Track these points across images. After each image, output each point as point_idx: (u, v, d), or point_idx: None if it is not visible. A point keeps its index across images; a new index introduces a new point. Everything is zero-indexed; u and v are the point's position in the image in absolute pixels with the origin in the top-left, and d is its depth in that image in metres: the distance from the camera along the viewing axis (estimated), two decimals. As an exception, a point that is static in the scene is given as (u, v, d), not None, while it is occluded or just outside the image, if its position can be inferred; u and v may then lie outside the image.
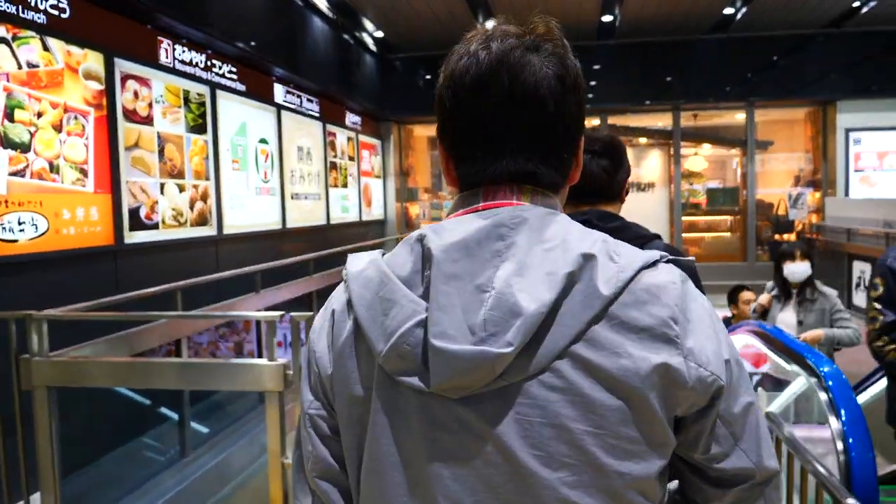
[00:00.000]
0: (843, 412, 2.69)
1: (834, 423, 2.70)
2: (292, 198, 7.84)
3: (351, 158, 9.81)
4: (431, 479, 0.76)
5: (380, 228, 11.24)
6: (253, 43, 6.76)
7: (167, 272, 5.22)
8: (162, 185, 5.48)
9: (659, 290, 0.77)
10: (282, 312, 3.02)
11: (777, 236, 10.90)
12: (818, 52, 10.15)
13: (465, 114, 0.83)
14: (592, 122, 11.34)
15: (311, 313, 3.04)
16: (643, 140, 11.67)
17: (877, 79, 10.09)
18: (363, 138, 10.43)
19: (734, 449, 0.80)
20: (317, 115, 8.65)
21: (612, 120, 11.16)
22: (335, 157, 9.19)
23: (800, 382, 3.59)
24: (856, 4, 9.12)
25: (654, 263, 0.79)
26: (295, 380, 2.93)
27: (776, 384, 4.23)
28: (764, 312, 4.45)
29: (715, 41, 10.38)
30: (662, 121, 11.30)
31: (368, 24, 9.81)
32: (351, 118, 9.93)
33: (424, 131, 12.79)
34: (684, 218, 11.08)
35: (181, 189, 5.73)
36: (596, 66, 10.83)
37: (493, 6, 9.25)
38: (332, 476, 0.86)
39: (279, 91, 7.70)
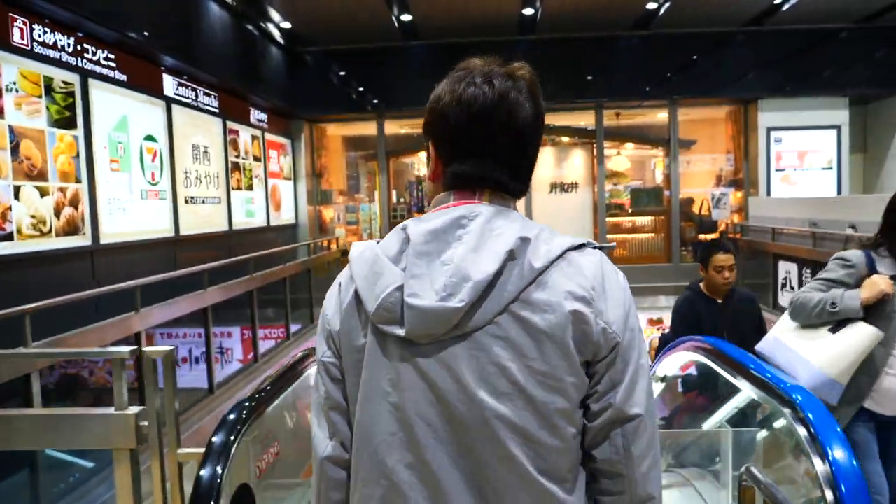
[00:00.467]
0: (830, 453, 2.23)
1: (819, 466, 2.23)
2: (187, 202, 7.02)
3: (256, 158, 9.02)
4: (409, 403, 1.06)
5: (291, 233, 10.46)
6: (134, 27, 5.93)
7: (30, 290, 4.39)
8: (17, 189, 4.62)
9: (582, 266, 1.07)
10: (133, 348, 2.33)
11: (701, 236, 10.77)
12: (740, 50, 10.05)
13: (470, 133, 1.12)
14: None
15: (169, 348, 2.36)
16: (566, 139, 11.34)
17: (797, 77, 10.06)
18: (271, 137, 9.65)
19: (609, 391, 1.07)
20: (216, 110, 7.85)
21: (534, 118, 10.76)
22: (238, 156, 8.40)
23: (743, 397, 3.17)
24: (777, 2, 9.02)
25: (580, 246, 1.10)
26: (151, 432, 2.29)
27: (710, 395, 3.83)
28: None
29: (637, 38, 10.13)
30: (585, 119, 11.01)
31: (274, 14, 9.05)
32: (256, 115, 9.14)
33: (339, 130, 12.08)
34: (608, 219, 10.80)
35: (43, 193, 4.88)
36: (516, 63, 10.39)
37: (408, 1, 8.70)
38: (339, 409, 1.15)
39: (169, 83, 6.87)
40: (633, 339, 1.08)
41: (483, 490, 1.05)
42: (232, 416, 2.44)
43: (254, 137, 8.96)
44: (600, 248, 1.11)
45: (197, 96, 7.40)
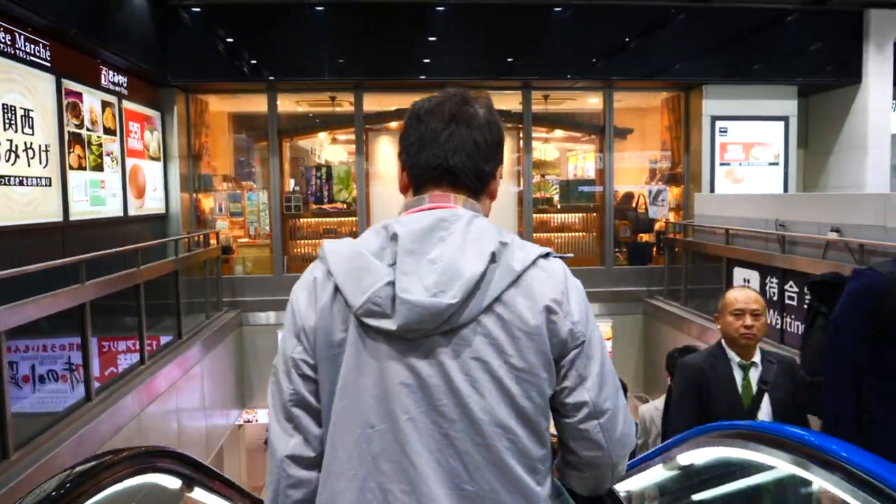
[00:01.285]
0: None
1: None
2: (-8, 182, 5.15)
3: (110, 131, 7.12)
4: (391, 395, 1.11)
5: (160, 226, 8.57)
6: None
7: None
8: None
9: (551, 271, 1.20)
10: None
11: (639, 236, 9.66)
12: (684, 29, 8.95)
13: (421, 129, 1.28)
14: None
15: None
16: (489, 124, 9.94)
17: (746, 62, 9.07)
18: (131, 106, 7.74)
19: (579, 385, 1.18)
20: (45, 63, 5.95)
21: (453, 98, 9.31)
22: (80, 127, 6.50)
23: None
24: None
25: (547, 254, 1.22)
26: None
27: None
28: None
29: (572, 10, 8.86)
30: (509, 102, 9.67)
31: (135, -50, 7.18)
32: (111, 76, 7.24)
33: (224, 105, 10.22)
34: (534, 215, 9.51)
35: None
36: (431, 38, 8.94)
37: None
38: (306, 406, 1.18)
39: (-34, 17, 4.97)
40: (594, 337, 1.22)
41: (460, 481, 1.11)
42: None
43: (106, 105, 7.05)
44: (560, 257, 1.25)
45: (15, 41, 5.50)
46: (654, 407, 4.32)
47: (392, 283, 1.11)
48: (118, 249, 5.73)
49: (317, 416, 1.19)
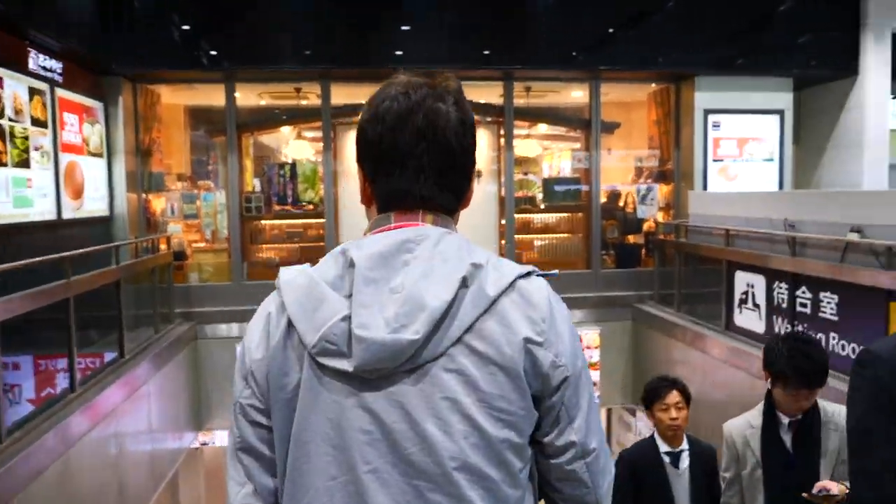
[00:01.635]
0: None
1: None
2: None
3: (39, 123, 6.28)
4: (351, 443, 1.00)
5: (103, 230, 7.73)
6: None
7: None
8: None
9: (531, 295, 1.05)
10: None
11: (627, 238, 9.05)
12: (675, 18, 8.35)
13: (389, 144, 1.09)
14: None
15: None
16: (466, 118, 9.26)
17: (740, 52, 8.50)
18: (67, 95, 6.90)
19: (567, 426, 1.07)
20: (-44, 41, 5.12)
21: (428, 90, 8.61)
22: (0, 116, 5.66)
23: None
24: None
25: (528, 274, 1.08)
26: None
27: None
28: None
29: (555, -6, 8.21)
30: (488, 94, 9.01)
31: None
32: (41, 60, 6.39)
33: (177, 97, 9.39)
34: (516, 215, 8.85)
35: None
36: (405, 24, 8.24)
37: None
38: (254, 454, 1.08)
39: None
40: (582, 372, 1.09)
41: None
42: None
43: (35, 92, 6.21)
44: (543, 275, 1.11)
45: (-86, 14, 4.67)
46: (749, 424, 2.97)
47: (348, 318, 1.01)
48: (38, 259, 4.90)
49: (269, 466, 1.10)
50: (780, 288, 5.93)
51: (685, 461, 3.35)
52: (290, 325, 1.04)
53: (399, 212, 1.12)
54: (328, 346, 1.00)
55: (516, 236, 8.77)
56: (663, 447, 3.38)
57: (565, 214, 9.15)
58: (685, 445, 3.41)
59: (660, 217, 9.08)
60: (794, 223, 5.91)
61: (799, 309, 5.67)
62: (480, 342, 1.01)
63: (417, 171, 1.09)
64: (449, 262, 1.04)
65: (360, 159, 1.15)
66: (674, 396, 3.39)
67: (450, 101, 1.11)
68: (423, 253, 1.05)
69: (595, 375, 8.40)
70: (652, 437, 3.47)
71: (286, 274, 1.09)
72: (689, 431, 3.52)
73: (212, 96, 8.64)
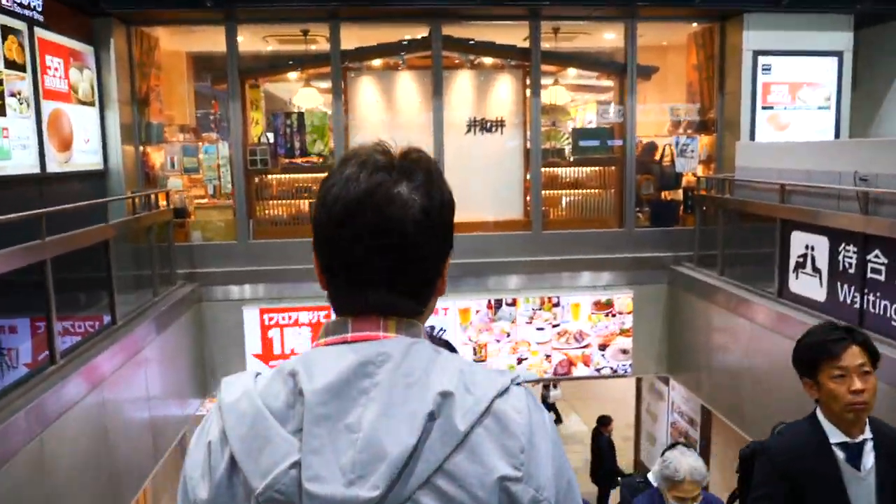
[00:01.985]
0: None
1: None
2: None
3: (16, 66, 5.66)
4: None
5: (97, 185, 7.16)
6: None
7: None
8: None
9: (509, 421, 0.92)
10: None
11: (664, 194, 8.33)
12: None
13: (335, 242, 0.95)
14: (420, 33, 8.00)
15: None
16: (488, 61, 8.51)
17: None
18: (49, 36, 6.25)
19: None
20: None
21: (447, 31, 7.87)
22: (-34, 56, 5.05)
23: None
24: None
25: (505, 391, 0.93)
26: None
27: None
28: None
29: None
30: (512, 35, 8.23)
31: None
32: (17, -4, 5.75)
33: (182, 42, 8.72)
34: (543, 169, 8.15)
35: None
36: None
37: None
38: None
39: None
40: (567, 496, 0.97)
41: None
42: None
43: (9, 31, 5.58)
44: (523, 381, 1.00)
45: None
46: None
47: (298, 465, 0.88)
48: (68, 206, 4.38)
49: None
50: (848, 251, 5.23)
51: (869, 458, 2.26)
52: (233, 459, 0.92)
53: (356, 318, 0.99)
54: (276, 497, 0.89)
55: (543, 192, 8.09)
56: (835, 436, 2.27)
57: (596, 168, 8.42)
58: (868, 433, 2.28)
59: (700, 171, 8.33)
60: (867, 177, 5.17)
61: (870, 276, 4.98)
62: (450, 484, 0.90)
63: (368, 278, 0.97)
64: (413, 388, 0.91)
65: (314, 245, 1.02)
66: (855, 355, 2.23)
67: (416, 181, 0.96)
68: (384, 379, 0.92)
69: (627, 343, 7.81)
70: (813, 419, 2.35)
71: (228, 393, 0.96)
72: (750, 409, 2.84)
73: (214, 41, 7.95)
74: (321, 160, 7.98)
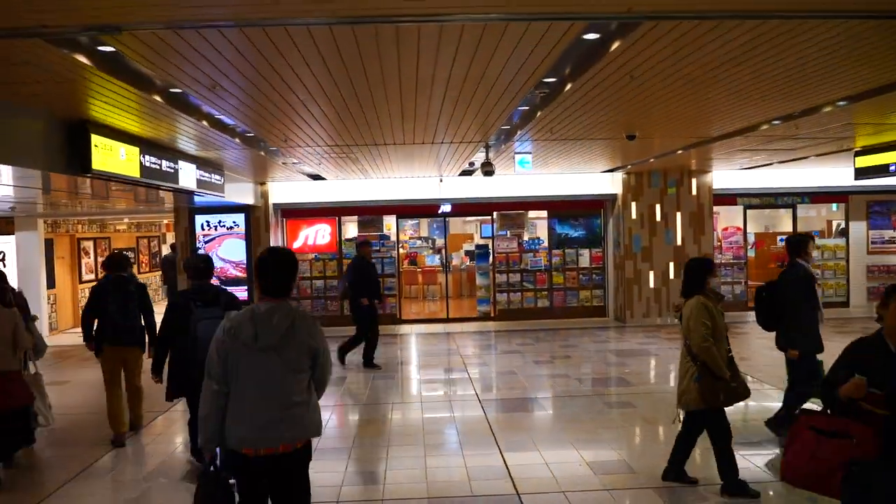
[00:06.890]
0: None
1: None
2: None
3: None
4: (253, 366, 3.35)
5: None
6: None
7: None
8: None
9: (308, 323, 3.65)
10: None
11: None
12: None
13: (265, 269, 3.50)
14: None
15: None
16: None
17: None
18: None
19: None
20: None
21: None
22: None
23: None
24: None
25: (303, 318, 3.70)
26: None
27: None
28: None
29: None
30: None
31: None
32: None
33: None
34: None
35: None
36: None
37: None
38: (219, 377, 3.33)
39: None
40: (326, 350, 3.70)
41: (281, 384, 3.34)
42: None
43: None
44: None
45: None
46: None
47: (256, 334, 3.37)
48: None
49: (227, 373, 3.41)
50: None
51: None
52: (233, 330, 3.39)
53: (270, 297, 3.45)
54: (247, 340, 3.35)
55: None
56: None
57: None
58: None
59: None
60: None
61: None
62: (295, 338, 3.39)
63: (274, 283, 3.47)
64: (285, 311, 3.40)
65: (255, 273, 3.57)
66: None
67: (287, 254, 3.55)
68: (279, 309, 3.37)
69: None
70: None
71: (229, 315, 3.47)
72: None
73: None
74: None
